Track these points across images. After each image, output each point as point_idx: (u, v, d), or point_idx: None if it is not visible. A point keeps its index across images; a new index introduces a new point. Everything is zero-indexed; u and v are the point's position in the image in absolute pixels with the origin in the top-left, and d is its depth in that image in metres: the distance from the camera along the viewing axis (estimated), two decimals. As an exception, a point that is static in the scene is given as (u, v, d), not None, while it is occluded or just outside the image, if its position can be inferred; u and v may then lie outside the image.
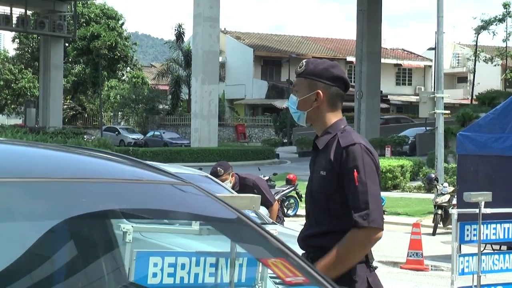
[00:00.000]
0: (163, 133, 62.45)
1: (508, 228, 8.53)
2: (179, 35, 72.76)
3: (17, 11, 60.90)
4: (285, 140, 60.91)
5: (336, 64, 4.12)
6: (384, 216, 16.92)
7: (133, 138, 63.70)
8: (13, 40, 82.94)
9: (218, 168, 9.92)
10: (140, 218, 3.54)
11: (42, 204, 2.43)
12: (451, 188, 20.43)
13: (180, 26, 72.88)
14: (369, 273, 3.95)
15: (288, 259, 2.80)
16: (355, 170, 3.79)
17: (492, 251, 11.90)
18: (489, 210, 8.32)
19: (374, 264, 4.06)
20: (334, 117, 4.02)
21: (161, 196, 2.80)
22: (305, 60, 4.10)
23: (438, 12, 24.90)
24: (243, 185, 10.04)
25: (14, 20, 60.82)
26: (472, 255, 8.31)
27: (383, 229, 3.84)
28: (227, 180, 9.83)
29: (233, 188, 9.83)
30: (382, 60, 56.28)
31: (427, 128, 45.74)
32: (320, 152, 3.99)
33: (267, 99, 72.10)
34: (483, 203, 7.92)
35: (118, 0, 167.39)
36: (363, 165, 3.81)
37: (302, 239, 4.03)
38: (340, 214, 3.85)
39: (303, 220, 15.47)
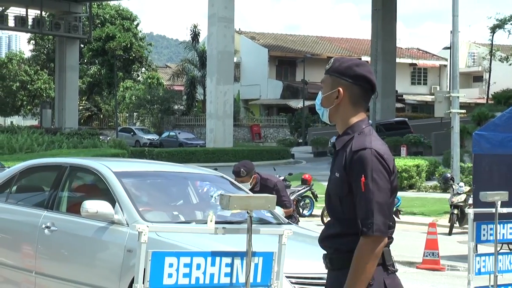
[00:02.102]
0: (178, 133, 62.54)
1: (525, 228, 8.48)
2: (195, 36, 72.85)
3: (32, 13, 61.19)
4: (300, 140, 60.87)
5: (362, 63, 4.06)
6: (400, 216, 16.78)
7: (149, 139, 63.83)
8: (29, 42, 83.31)
9: (242, 170, 9.83)
10: None
11: None
12: (467, 188, 20.36)
13: (195, 26, 72.98)
14: (386, 276, 3.90)
15: None
16: (362, 175, 3.76)
17: (509, 251, 11.85)
18: (505, 210, 8.28)
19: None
20: (355, 117, 3.97)
21: None
22: (335, 57, 4.10)
23: (453, 11, 24.82)
24: (263, 186, 9.98)
25: (30, 22, 61.11)
26: (488, 254, 8.26)
27: (387, 235, 3.84)
28: (247, 182, 9.78)
29: (253, 188, 9.79)
30: (397, 60, 56.19)
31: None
32: (339, 152, 3.96)
33: (282, 99, 72.08)
34: (499, 203, 7.88)
35: (133, 1, 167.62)
36: (371, 171, 3.76)
37: (322, 240, 4.03)
38: (354, 217, 3.82)
39: (318, 221, 15.63)
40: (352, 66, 3.97)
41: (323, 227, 4.25)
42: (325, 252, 4.00)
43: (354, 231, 3.81)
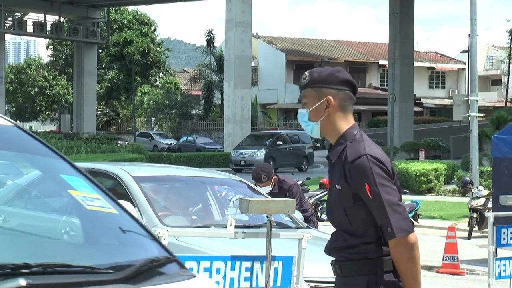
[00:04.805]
0: (196, 138, 62.63)
1: (545, 231, 8.44)
2: (210, 41, 72.94)
3: (51, 18, 61.49)
4: (318, 144, 60.79)
5: (340, 69, 4.05)
6: (419, 220, 16.71)
7: (167, 143, 63.95)
8: (47, 47, 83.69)
9: (263, 175, 9.87)
10: None
11: None
12: (486, 191, 20.26)
13: (210, 32, 73.07)
14: (399, 281, 3.84)
15: None
16: (366, 183, 3.74)
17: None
18: (525, 213, 8.24)
19: None
20: (346, 124, 3.93)
21: None
22: (308, 71, 4.04)
23: (471, 14, 24.74)
24: (280, 188, 10.03)
25: (48, 27, 61.40)
26: (508, 258, 8.23)
27: (413, 231, 3.78)
28: (268, 186, 9.81)
29: (272, 189, 9.83)
30: (415, 63, 56.02)
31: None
32: (334, 163, 3.94)
33: (300, 104, 72.04)
34: (519, 206, 7.85)
35: (151, 6, 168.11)
36: (373, 176, 3.74)
37: (329, 251, 3.98)
38: (361, 227, 3.81)
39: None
40: (334, 73, 3.95)
41: None
42: (334, 259, 3.95)
43: (364, 241, 3.79)
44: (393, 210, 3.72)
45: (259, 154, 42.19)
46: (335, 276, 3.98)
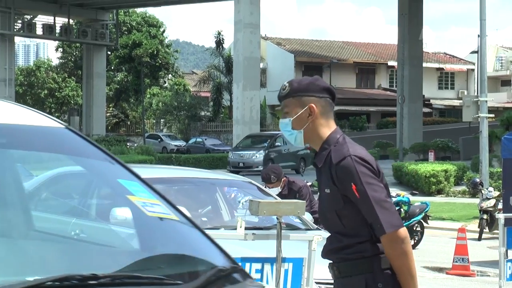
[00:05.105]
0: (205, 139, 62.64)
1: (557, 233, 8.39)
2: (219, 42, 72.99)
3: (60, 21, 61.60)
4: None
5: (318, 77, 4.17)
6: (429, 221, 16.61)
7: (176, 145, 64.00)
8: (57, 49, 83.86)
9: (272, 176, 9.86)
10: None
11: None
12: (497, 193, 20.20)
13: (219, 33, 73.11)
14: (396, 278, 3.89)
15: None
16: (352, 183, 3.82)
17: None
18: (536, 214, 8.19)
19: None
20: (328, 130, 4.02)
21: None
22: (285, 82, 4.13)
23: (480, 15, 24.68)
24: (289, 189, 10.02)
25: (58, 30, 61.50)
26: (520, 260, 8.19)
27: (402, 226, 3.85)
28: (277, 187, 9.79)
29: (281, 191, 9.81)
30: (424, 64, 55.92)
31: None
32: (321, 169, 4.01)
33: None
34: (530, 207, 7.81)
35: (159, 8, 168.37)
36: (358, 176, 3.81)
37: (326, 253, 4.06)
38: (354, 227, 3.88)
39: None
40: (313, 81, 4.06)
41: None
42: (331, 261, 4.02)
43: (359, 240, 3.87)
44: (381, 207, 3.79)
45: (258, 156, 41.52)
46: (333, 279, 4.05)
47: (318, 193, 4.14)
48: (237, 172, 38.32)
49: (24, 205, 3.35)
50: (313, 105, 3.99)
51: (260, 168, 40.68)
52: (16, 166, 3.29)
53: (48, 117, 3.21)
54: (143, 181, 3.17)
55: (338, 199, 3.88)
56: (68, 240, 3.32)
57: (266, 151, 41.57)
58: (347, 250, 3.89)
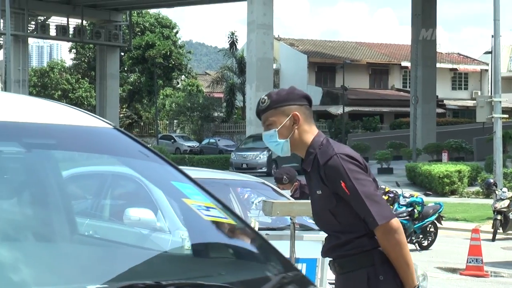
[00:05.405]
0: (218, 140, 62.68)
1: None
2: (232, 43, 73.04)
3: (73, 22, 61.79)
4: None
5: (294, 87, 4.28)
6: (443, 222, 16.54)
7: (189, 146, 64.05)
8: (70, 50, 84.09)
9: (284, 177, 9.87)
10: None
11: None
12: (510, 193, 20.15)
13: (232, 34, 73.15)
14: (395, 270, 3.98)
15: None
16: (341, 181, 3.91)
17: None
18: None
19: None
20: (312, 135, 4.11)
21: None
22: (263, 95, 4.20)
23: (494, 15, 24.60)
24: (302, 193, 10.02)
25: (71, 31, 61.70)
26: (534, 261, 8.16)
27: (394, 217, 3.92)
28: (288, 189, 9.79)
29: (293, 195, 9.80)
30: (438, 65, 55.77)
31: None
32: (310, 173, 4.11)
33: (322, 105, 71.94)
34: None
35: (172, 9, 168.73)
36: (346, 173, 3.90)
37: (325, 252, 4.13)
38: (351, 224, 3.95)
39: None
40: (292, 91, 4.18)
41: None
42: (331, 258, 4.09)
43: (356, 235, 3.94)
44: (372, 200, 3.88)
45: (262, 157, 40.75)
46: (334, 275, 4.12)
47: (310, 198, 4.18)
48: None
49: (68, 209, 3.27)
50: (296, 113, 4.07)
51: (264, 169, 40.37)
52: (59, 168, 3.20)
53: (96, 117, 3.17)
54: (196, 183, 3.09)
55: (330, 198, 3.96)
56: (114, 244, 3.24)
57: (270, 152, 41.13)
58: (346, 246, 3.96)
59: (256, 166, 40.01)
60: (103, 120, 3.14)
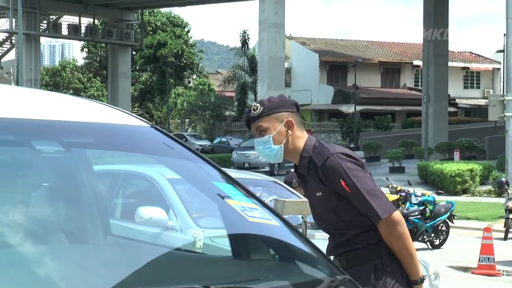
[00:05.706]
0: (230, 139, 62.71)
1: None
2: (244, 42, 73.05)
3: (85, 21, 61.96)
4: (352, 145, 60.62)
5: (283, 95, 4.37)
6: (454, 221, 16.48)
7: (201, 145, 64.09)
8: (82, 50, 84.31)
9: (294, 181, 9.87)
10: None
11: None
12: (523, 192, 20.07)
13: (244, 32, 73.16)
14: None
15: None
16: (341, 180, 3.95)
17: None
18: None
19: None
20: (303, 140, 4.16)
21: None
22: (255, 103, 4.24)
23: (507, 13, 24.55)
24: None
25: (83, 30, 61.87)
26: (546, 260, 8.15)
27: (395, 210, 3.99)
28: (298, 192, 9.81)
29: (304, 194, 9.81)
30: (450, 63, 55.65)
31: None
32: (306, 177, 4.13)
33: (333, 104, 71.91)
34: (557, 207, 7.78)
35: (184, 8, 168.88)
36: (345, 171, 3.95)
37: (330, 250, 4.15)
38: (355, 220, 4.01)
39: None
40: (283, 99, 4.24)
41: None
42: (337, 254, 4.11)
43: (362, 230, 4.00)
44: (373, 196, 3.95)
45: None
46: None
47: (308, 201, 4.22)
48: None
49: (102, 209, 3.24)
50: (290, 119, 4.12)
51: (267, 169, 40.17)
52: (92, 167, 3.14)
53: (134, 116, 3.14)
54: (238, 183, 3.03)
55: (332, 198, 4.00)
56: (148, 246, 3.18)
57: None
58: (352, 240, 4.02)
59: (259, 166, 39.27)
60: (140, 119, 3.12)
